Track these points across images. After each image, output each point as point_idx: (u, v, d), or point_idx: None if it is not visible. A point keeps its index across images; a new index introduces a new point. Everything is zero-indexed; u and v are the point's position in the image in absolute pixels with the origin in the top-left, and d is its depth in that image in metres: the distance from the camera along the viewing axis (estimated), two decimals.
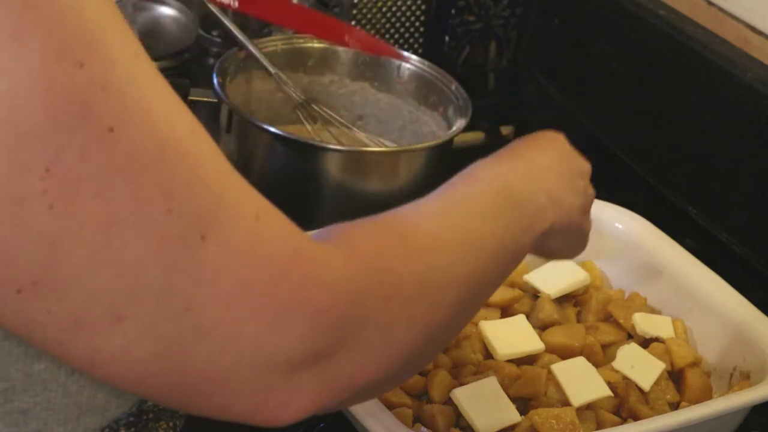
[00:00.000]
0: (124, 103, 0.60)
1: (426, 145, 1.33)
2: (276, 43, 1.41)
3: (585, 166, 0.98)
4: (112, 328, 0.62)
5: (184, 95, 1.27)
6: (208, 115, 1.32)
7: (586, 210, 0.96)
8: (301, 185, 1.29)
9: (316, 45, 1.43)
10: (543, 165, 0.92)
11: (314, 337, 0.66)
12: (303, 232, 0.68)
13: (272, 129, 1.27)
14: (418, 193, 1.30)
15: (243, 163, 1.33)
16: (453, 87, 1.39)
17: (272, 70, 1.37)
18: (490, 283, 0.83)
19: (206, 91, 1.32)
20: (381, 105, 1.43)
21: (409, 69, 1.43)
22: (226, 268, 0.63)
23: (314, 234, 0.71)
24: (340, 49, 1.44)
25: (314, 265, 0.67)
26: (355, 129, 1.40)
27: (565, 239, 0.94)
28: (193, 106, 1.36)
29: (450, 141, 1.33)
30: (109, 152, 0.60)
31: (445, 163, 1.35)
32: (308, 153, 1.27)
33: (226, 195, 0.64)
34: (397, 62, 1.43)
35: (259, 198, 0.67)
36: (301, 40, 1.44)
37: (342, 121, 1.39)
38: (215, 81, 1.32)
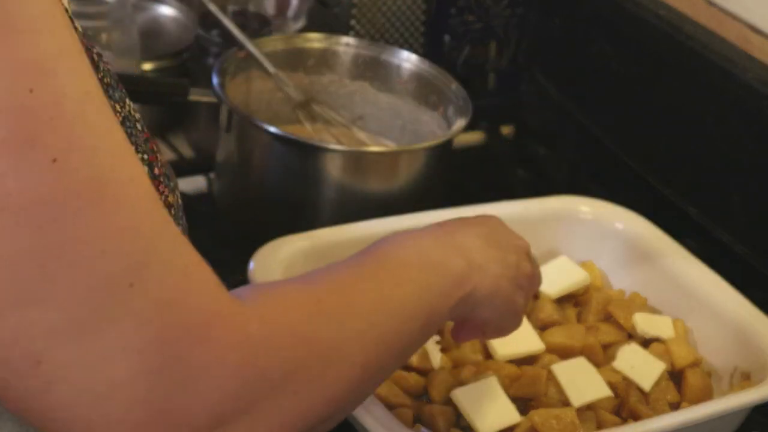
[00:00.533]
0: (70, 136, 0.60)
1: (426, 144, 1.33)
2: (276, 43, 1.41)
3: (520, 243, 0.95)
4: (30, 369, 0.61)
5: (183, 95, 1.27)
6: (208, 115, 1.32)
7: (518, 284, 0.92)
8: (301, 185, 1.29)
9: (316, 45, 1.44)
10: (468, 236, 0.90)
11: (221, 400, 0.65)
12: (226, 291, 0.68)
13: (272, 129, 1.27)
14: (418, 192, 1.31)
15: (243, 163, 1.33)
16: (453, 87, 1.39)
17: (272, 70, 1.37)
18: (404, 347, 0.81)
19: (206, 91, 1.32)
20: (381, 105, 1.44)
21: (409, 69, 1.43)
22: (147, 320, 0.63)
23: (234, 292, 0.70)
24: (340, 49, 1.44)
25: (231, 329, 0.66)
26: (354, 129, 1.41)
27: (494, 310, 0.91)
28: (193, 106, 1.36)
29: (450, 141, 1.33)
30: (50, 184, 0.60)
31: (445, 163, 1.35)
32: (308, 153, 1.27)
33: (159, 246, 0.64)
34: (397, 62, 1.43)
35: (192, 253, 0.67)
36: (301, 40, 1.44)
37: (342, 120, 1.39)
38: (215, 81, 1.32)
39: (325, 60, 1.44)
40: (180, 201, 0.82)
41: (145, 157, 0.77)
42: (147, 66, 1.46)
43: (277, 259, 1.16)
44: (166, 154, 1.53)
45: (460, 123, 1.34)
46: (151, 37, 1.52)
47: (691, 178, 1.40)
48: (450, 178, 1.44)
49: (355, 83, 1.44)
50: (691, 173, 1.40)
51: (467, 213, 1.27)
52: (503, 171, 1.52)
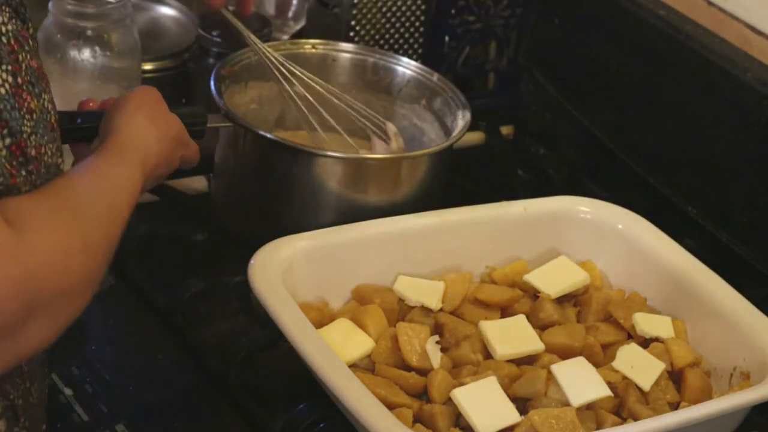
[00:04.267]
0: None
1: (427, 151, 1.33)
2: (275, 48, 1.40)
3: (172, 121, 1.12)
4: None
5: (203, 123, 1.23)
6: (227, 140, 1.32)
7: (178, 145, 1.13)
8: (303, 192, 1.28)
9: (317, 50, 1.43)
10: (141, 139, 1.05)
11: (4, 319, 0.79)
12: (5, 225, 0.79)
13: (270, 136, 1.27)
14: (420, 199, 1.31)
15: (242, 170, 1.32)
16: (453, 92, 1.39)
17: (279, 73, 1.36)
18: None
19: (223, 117, 1.29)
20: (382, 111, 1.43)
21: (408, 74, 1.43)
22: None
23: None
24: (341, 55, 1.43)
25: (11, 261, 0.79)
26: (345, 136, 1.39)
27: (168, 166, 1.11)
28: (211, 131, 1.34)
29: (450, 147, 1.33)
30: None
31: (446, 168, 1.35)
32: (309, 160, 1.27)
33: None
34: (397, 68, 1.43)
35: None
36: (300, 46, 1.43)
37: (336, 127, 1.38)
38: (213, 86, 1.31)
39: (324, 66, 1.43)
40: (48, 106, 0.89)
41: (9, 68, 0.84)
42: (147, 66, 1.45)
43: (277, 259, 1.16)
44: None
45: (460, 128, 1.34)
46: (151, 37, 1.52)
47: (691, 178, 1.40)
48: (450, 179, 1.44)
49: (355, 89, 1.44)
50: (691, 173, 1.40)
51: (467, 213, 1.28)
52: (503, 171, 1.52)
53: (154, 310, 1.25)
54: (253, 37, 1.36)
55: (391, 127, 1.40)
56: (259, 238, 1.19)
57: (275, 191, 1.29)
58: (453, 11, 1.59)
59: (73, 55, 1.34)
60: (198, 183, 1.43)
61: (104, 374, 1.18)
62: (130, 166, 0.99)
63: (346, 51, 1.44)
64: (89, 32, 1.35)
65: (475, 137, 1.59)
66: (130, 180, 0.97)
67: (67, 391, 1.15)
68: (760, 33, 1.35)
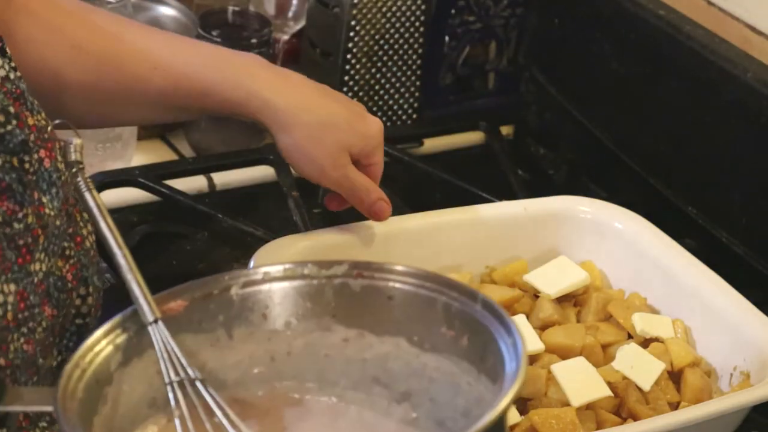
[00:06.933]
0: None
1: None
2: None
3: None
4: None
5: None
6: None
7: None
8: None
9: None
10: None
11: None
12: None
13: None
14: None
15: None
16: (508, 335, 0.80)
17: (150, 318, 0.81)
18: None
19: None
20: (431, 374, 0.85)
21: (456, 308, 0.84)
22: None
23: None
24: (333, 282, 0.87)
25: None
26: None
27: None
28: None
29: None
30: None
31: None
32: None
33: None
34: (438, 297, 0.84)
35: None
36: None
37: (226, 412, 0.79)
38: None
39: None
40: None
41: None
42: None
43: (277, 259, 1.16)
44: (167, 154, 1.53)
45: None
46: None
47: (691, 178, 1.40)
48: (450, 179, 1.44)
49: (383, 339, 0.86)
50: (691, 173, 1.40)
51: (466, 213, 1.28)
52: (503, 171, 1.51)
53: None
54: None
55: None
56: (259, 238, 1.19)
57: None
58: (453, 11, 1.59)
59: None
60: (198, 183, 1.43)
61: None
62: None
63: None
64: None
65: (475, 137, 1.59)
66: None
67: None
68: (760, 33, 1.35)
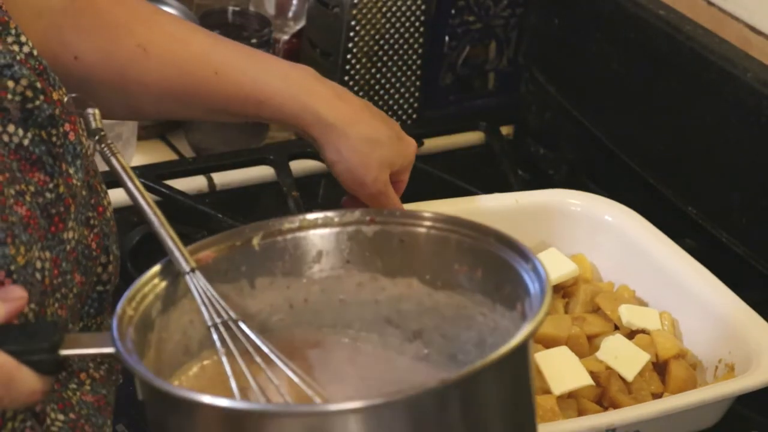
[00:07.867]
0: None
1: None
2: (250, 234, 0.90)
3: None
4: None
5: (47, 351, 0.78)
6: None
7: None
8: None
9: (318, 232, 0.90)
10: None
11: None
12: None
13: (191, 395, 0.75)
14: None
15: None
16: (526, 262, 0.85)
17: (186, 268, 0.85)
18: None
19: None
20: (443, 310, 0.88)
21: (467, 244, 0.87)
22: None
23: None
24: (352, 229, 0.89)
25: None
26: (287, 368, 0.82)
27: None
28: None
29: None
30: None
31: None
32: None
33: None
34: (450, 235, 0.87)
35: None
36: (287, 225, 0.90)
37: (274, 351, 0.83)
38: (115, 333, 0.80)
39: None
40: None
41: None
42: None
43: None
44: (167, 154, 1.53)
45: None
46: None
47: (690, 177, 1.40)
48: (450, 179, 1.44)
49: (395, 280, 0.88)
50: (691, 173, 1.40)
51: (458, 205, 1.28)
52: (503, 171, 1.52)
53: None
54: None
55: None
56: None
57: None
58: (453, 11, 1.59)
59: None
60: (198, 183, 1.43)
61: None
62: None
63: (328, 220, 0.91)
64: None
65: (475, 137, 1.59)
66: None
67: None
68: (760, 33, 1.35)
